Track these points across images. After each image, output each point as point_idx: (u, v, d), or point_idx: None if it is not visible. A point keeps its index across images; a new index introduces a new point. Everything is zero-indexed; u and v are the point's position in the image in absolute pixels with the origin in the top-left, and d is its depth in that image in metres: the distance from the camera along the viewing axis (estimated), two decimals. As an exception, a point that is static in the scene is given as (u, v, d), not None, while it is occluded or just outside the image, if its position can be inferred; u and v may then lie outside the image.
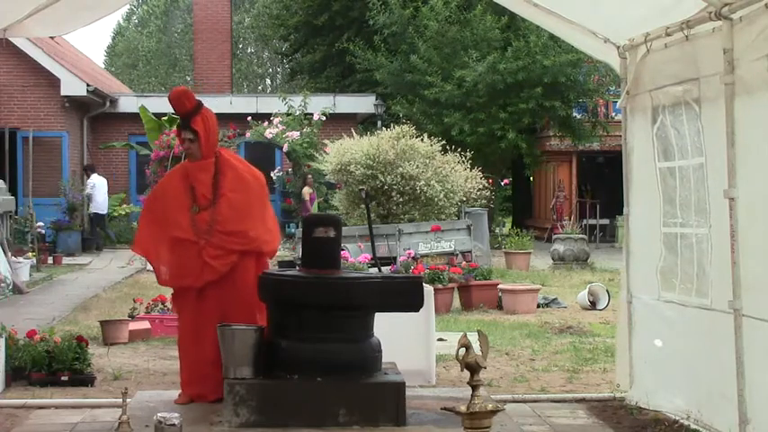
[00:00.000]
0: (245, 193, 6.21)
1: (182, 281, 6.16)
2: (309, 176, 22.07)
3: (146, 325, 10.28)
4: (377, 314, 5.86)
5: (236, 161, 6.39)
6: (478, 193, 18.11)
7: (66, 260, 19.35)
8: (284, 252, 16.61)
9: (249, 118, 22.67)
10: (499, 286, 13.06)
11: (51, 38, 23.05)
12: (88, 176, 22.82)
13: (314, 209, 21.36)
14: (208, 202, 6.14)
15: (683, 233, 6.23)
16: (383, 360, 5.85)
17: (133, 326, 10.13)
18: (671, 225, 6.39)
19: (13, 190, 21.88)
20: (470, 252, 16.22)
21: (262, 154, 23.41)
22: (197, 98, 6.34)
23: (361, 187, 15.28)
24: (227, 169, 6.24)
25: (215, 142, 6.34)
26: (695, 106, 5.94)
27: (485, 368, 4.97)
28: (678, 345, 6.27)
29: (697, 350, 5.99)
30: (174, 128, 6.51)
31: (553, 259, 19.11)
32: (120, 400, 5.24)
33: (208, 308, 6.09)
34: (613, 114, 25.87)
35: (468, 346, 4.94)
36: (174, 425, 5.03)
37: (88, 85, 23.66)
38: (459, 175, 17.67)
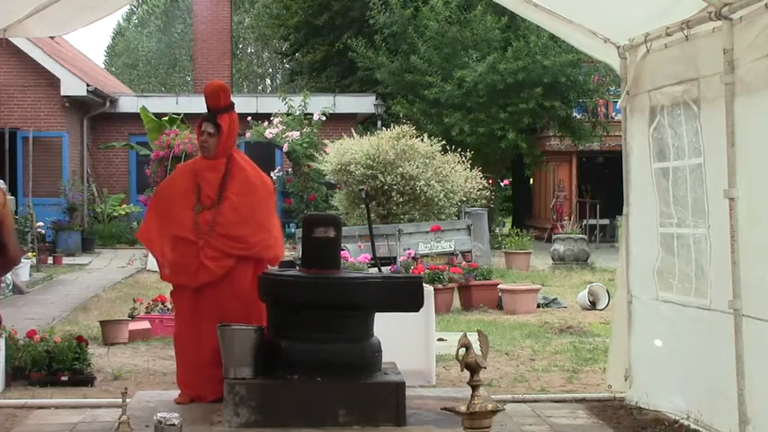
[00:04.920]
0: (251, 198, 6.18)
1: (177, 278, 6.16)
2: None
3: (146, 325, 10.28)
4: (377, 314, 5.86)
5: (247, 164, 6.33)
6: (478, 193, 18.10)
7: (66, 260, 19.35)
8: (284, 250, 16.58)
9: (249, 118, 22.65)
10: (499, 286, 13.07)
11: (51, 38, 23.08)
12: None
13: None
14: (211, 203, 6.13)
15: (680, 233, 6.24)
16: (383, 360, 5.84)
17: (133, 326, 10.13)
18: (667, 225, 6.40)
19: (13, 190, 21.90)
20: (470, 252, 16.22)
21: (262, 154, 23.36)
22: (232, 100, 6.35)
23: (361, 187, 15.27)
24: (237, 171, 6.21)
25: (232, 144, 6.32)
26: (694, 106, 5.94)
27: (485, 368, 4.97)
28: (677, 345, 6.27)
29: (696, 350, 5.99)
30: (198, 120, 6.45)
31: (553, 259, 19.11)
32: (120, 400, 5.24)
33: (204, 308, 6.08)
34: (613, 114, 25.87)
35: (468, 346, 4.94)
36: (174, 425, 5.03)
37: (88, 85, 23.67)
38: (459, 175, 17.66)
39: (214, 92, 6.25)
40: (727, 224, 5.46)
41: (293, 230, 19.38)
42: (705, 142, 5.83)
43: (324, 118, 23.21)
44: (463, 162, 18.02)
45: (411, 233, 15.61)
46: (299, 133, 22.58)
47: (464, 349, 4.94)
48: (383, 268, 10.16)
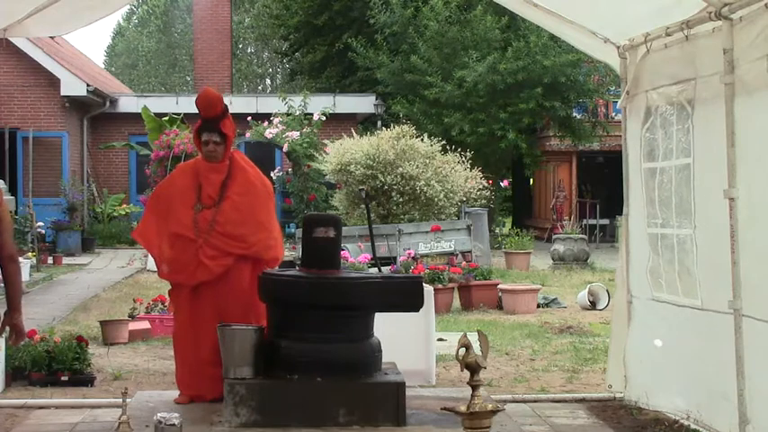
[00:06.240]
0: (251, 197, 6.20)
1: (175, 276, 6.17)
2: None
3: (146, 325, 10.28)
4: (377, 314, 5.86)
5: (248, 165, 6.36)
6: (478, 193, 18.11)
7: (66, 260, 19.34)
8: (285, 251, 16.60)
9: (249, 118, 22.67)
10: (499, 286, 13.06)
11: (51, 38, 23.07)
12: None
13: None
14: (212, 202, 6.14)
15: (663, 234, 6.26)
16: (383, 360, 5.84)
17: (133, 326, 10.13)
18: (653, 226, 6.42)
19: (13, 190, 21.90)
20: (470, 252, 16.23)
21: (262, 154, 23.41)
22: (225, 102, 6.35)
23: (361, 187, 15.28)
24: (238, 172, 6.24)
25: (232, 145, 6.36)
26: (687, 107, 5.94)
27: (485, 368, 4.97)
28: (674, 344, 6.28)
29: (693, 350, 5.99)
30: (194, 129, 6.44)
31: (553, 259, 19.11)
32: (120, 400, 5.24)
33: (203, 308, 6.09)
34: (613, 114, 25.87)
35: (468, 346, 4.94)
36: (174, 425, 5.03)
37: (88, 85, 23.66)
38: (459, 175, 17.67)
39: (210, 102, 6.22)
40: (716, 224, 5.48)
41: (293, 230, 19.38)
42: (696, 142, 5.84)
43: (324, 118, 23.20)
44: (463, 162, 18.03)
45: (411, 233, 15.62)
46: (298, 133, 22.58)
47: (464, 349, 4.94)
48: (383, 268, 10.17)
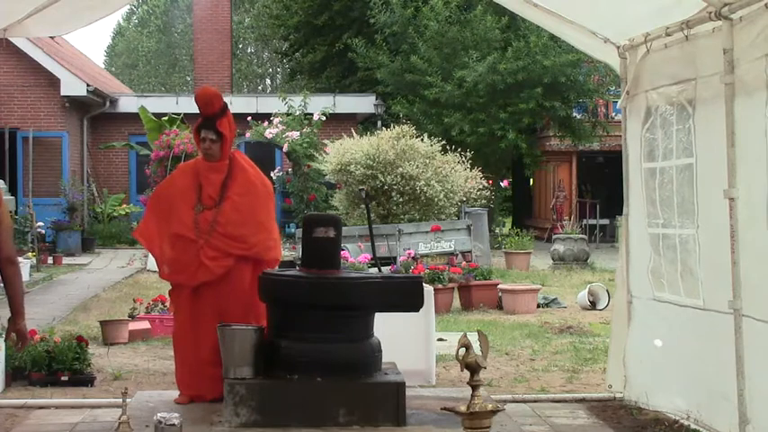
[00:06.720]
0: (251, 198, 6.20)
1: (176, 277, 6.18)
2: None
3: (146, 325, 10.28)
4: (377, 314, 5.86)
5: (248, 165, 6.36)
6: (478, 193, 18.12)
7: (66, 260, 19.34)
8: (284, 252, 16.61)
9: (249, 118, 22.67)
10: (499, 286, 13.06)
11: (51, 38, 23.07)
12: None
13: None
14: (213, 203, 6.14)
15: (665, 234, 6.26)
16: (383, 360, 5.84)
17: (133, 326, 10.14)
18: (654, 226, 6.42)
19: (13, 190, 21.90)
20: (470, 252, 16.23)
21: (262, 154, 23.40)
22: (224, 101, 6.33)
23: (361, 187, 15.28)
24: (238, 172, 6.24)
25: (232, 145, 6.35)
26: (688, 107, 5.94)
27: (485, 368, 4.97)
28: (674, 344, 6.28)
29: (694, 350, 6.00)
30: (193, 127, 6.44)
31: (553, 259, 19.11)
32: (120, 400, 5.24)
33: (203, 308, 6.09)
34: (613, 114, 25.87)
35: (468, 346, 4.94)
36: (174, 425, 5.03)
37: (88, 85, 23.66)
38: (459, 175, 17.67)
39: (208, 100, 6.22)
40: (718, 224, 5.48)
41: (293, 230, 19.38)
42: (698, 142, 5.84)
43: (324, 118, 23.21)
44: (463, 162, 18.03)
45: (411, 233, 15.62)
46: (298, 133, 22.58)
47: (464, 349, 4.93)
48: (383, 268, 10.17)
